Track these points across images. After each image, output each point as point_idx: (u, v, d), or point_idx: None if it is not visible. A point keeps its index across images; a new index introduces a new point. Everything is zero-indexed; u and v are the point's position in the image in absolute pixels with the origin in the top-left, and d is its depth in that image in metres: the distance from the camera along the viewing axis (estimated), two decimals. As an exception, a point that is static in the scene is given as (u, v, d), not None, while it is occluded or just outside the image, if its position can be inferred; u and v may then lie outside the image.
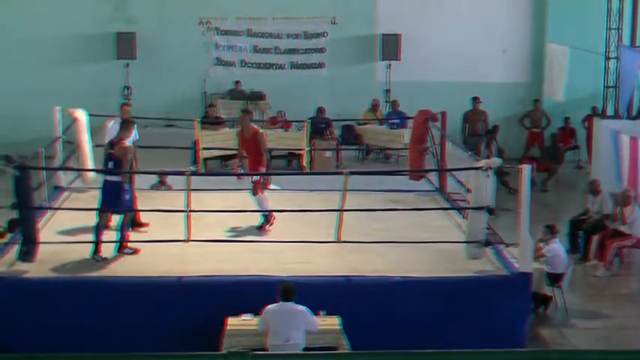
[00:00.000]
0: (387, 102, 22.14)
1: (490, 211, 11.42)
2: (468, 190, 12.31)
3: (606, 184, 16.15)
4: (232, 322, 10.39)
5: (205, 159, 17.36)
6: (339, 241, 11.96)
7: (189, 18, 22.34)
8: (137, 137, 13.10)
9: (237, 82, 22.12)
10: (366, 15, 22.67)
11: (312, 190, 14.75)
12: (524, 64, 23.12)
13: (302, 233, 12.23)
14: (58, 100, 15.57)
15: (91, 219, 12.07)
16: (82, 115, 14.46)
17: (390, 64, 22.43)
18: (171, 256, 11.64)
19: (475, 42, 22.43)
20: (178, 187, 13.91)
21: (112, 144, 11.90)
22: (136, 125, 12.72)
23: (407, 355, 5.54)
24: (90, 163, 14.21)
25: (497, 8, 22.83)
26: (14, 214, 11.59)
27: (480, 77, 22.36)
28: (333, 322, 10.40)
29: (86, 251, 11.56)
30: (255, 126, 13.25)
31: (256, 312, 10.29)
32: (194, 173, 13.93)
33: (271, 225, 12.89)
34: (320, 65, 22.86)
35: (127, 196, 11.79)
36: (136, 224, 12.60)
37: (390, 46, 22.35)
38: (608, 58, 20.53)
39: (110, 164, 11.78)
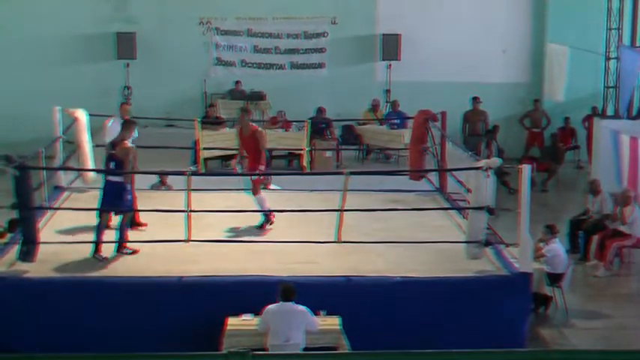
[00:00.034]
0: (387, 102, 22.14)
1: (490, 211, 11.42)
2: (468, 190, 12.32)
3: (606, 184, 16.15)
4: (232, 322, 10.39)
5: (205, 159, 17.37)
6: (339, 241, 11.96)
7: (190, 18, 22.35)
8: (137, 135, 13.09)
9: (237, 82, 22.12)
10: (366, 15, 22.67)
11: (312, 190, 14.75)
12: (525, 64, 23.12)
13: (302, 233, 12.23)
14: (58, 100, 15.57)
15: (91, 219, 12.07)
16: (82, 115, 14.46)
17: (390, 64, 22.43)
18: (172, 256, 11.64)
19: (475, 42, 22.43)
20: (178, 187, 13.92)
21: (113, 144, 11.90)
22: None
23: (407, 355, 5.54)
24: (90, 163, 14.21)
25: (497, 8, 22.83)
26: (14, 214, 11.60)
27: (480, 77, 22.37)
28: (333, 322, 10.40)
29: (86, 251, 11.57)
30: (254, 125, 13.26)
31: (256, 312, 10.29)
32: (194, 173, 13.92)
33: (271, 224, 12.89)
34: (320, 65, 22.86)
35: (129, 197, 11.81)
36: (134, 224, 12.61)
37: (390, 46, 22.36)
38: (608, 58, 20.54)
39: (112, 164, 11.78)
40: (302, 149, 17.41)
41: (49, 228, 12.45)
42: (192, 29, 22.36)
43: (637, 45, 21.13)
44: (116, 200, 11.66)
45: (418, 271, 11.33)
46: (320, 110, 19.63)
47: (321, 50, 22.81)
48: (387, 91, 22.46)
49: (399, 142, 19.03)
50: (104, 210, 11.81)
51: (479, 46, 22.48)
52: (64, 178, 14.80)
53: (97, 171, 13.48)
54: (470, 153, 14.51)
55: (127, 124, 12.19)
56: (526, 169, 11.12)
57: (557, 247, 13.28)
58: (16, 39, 21.78)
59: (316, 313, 10.33)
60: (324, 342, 10.20)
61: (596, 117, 20.16)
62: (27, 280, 10.97)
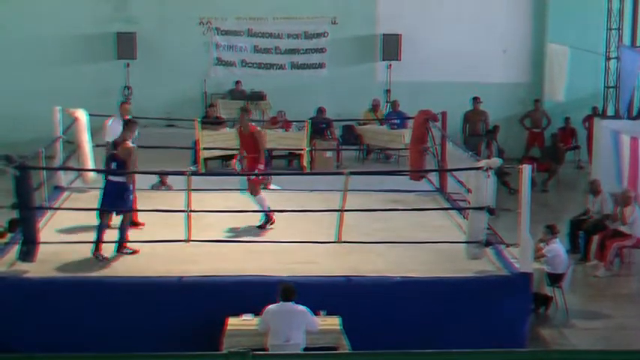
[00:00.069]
0: (387, 102, 22.13)
1: (490, 211, 11.41)
2: (469, 191, 12.31)
3: (606, 184, 16.15)
4: (233, 322, 10.38)
5: (206, 159, 17.36)
6: (339, 241, 11.96)
7: (190, 18, 22.34)
8: (138, 136, 13.09)
9: (237, 82, 22.12)
10: (367, 15, 22.67)
11: (312, 191, 14.75)
12: (525, 64, 23.12)
13: (302, 233, 12.23)
14: (58, 100, 15.56)
15: (91, 219, 12.07)
16: (82, 115, 14.46)
17: (390, 64, 22.43)
18: (172, 256, 11.64)
19: (475, 42, 22.43)
20: (179, 187, 13.92)
21: (115, 144, 11.89)
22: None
23: (407, 355, 5.53)
24: (90, 163, 14.20)
25: (498, 8, 22.83)
26: (15, 214, 11.60)
27: (481, 77, 22.36)
28: (334, 322, 10.40)
29: (86, 251, 11.56)
30: (253, 125, 13.25)
31: (256, 312, 10.29)
32: (194, 173, 13.92)
33: (272, 223, 12.88)
34: (320, 65, 22.86)
35: (131, 197, 11.81)
36: (132, 223, 12.59)
37: (391, 46, 22.35)
38: (608, 59, 20.53)
39: (113, 165, 11.77)
40: (302, 149, 17.40)
41: (49, 228, 12.45)
42: (192, 29, 22.36)
43: (637, 45, 21.12)
44: (118, 200, 11.65)
45: (418, 271, 11.33)
46: (320, 110, 19.63)
47: (321, 50, 22.80)
48: (388, 91, 22.46)
49: (400, 142, 19.03)
50: (105, 210, 11.81)
51: (479, 46, 22.48)
52: (64, 178, 14.80)
53: (98, 171, 13.48)
54: (470, 153, 14.51)
55: (129, 125, 12.18)
56: (526, 170, 11.12)
57: (558, 247, 13.27)
58: (16, 39, 21.78)
59: (316, 313, 10.32)
60: (324, 342, 10.19)
61: (597, 117, 20.16)
62: (27, 280, 10.96)
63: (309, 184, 15.18)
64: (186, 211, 11.68)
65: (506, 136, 21.77)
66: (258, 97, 21.41)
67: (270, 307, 10.16)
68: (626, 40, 21.05)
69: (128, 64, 22.05)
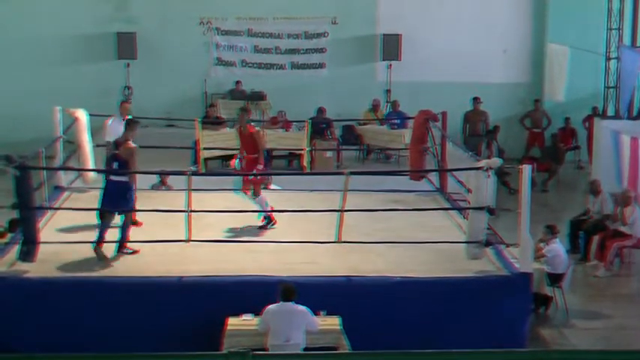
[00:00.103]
0: (387, 102, 22.13)
1: (490, 211, 11.41)
2: (469, 191, 12.31)
3: (607, 185, 16.15)
4: (233, 322, 10.38)
5: (206, 159, 17.36)
6: (339, 241, 11.96)
7: (190, 18, 22.34)
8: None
9: (237, 82, 22.12)
10: (367, 15, 22.67)
11: (312, 191, 14.75)
12: (525, 64, 23.11)
13: (302, 233, 12.23)
14: (59, 100, 15.57)
15: (92, 219, 12.07)
16: (82, 115, 14.46)
17: (390, 64, 22.43)
18: (172, 256, 11.64)
19: (475, 42, 22.43)
20: (179, 187, 13.91)
21: (117, 144, 11.89)
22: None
23: (407, 355, 5.53)
24: (90, 163, 14.21)
25: (498, 8, 22.83)
26: (15, 214, 11.60)
27: (481, 77, 22.36)
28: (334, 322, 10.40)
29: (86, 251, 11.56)
30: (252, 125, 13.25)
31: (257, 312, 10.29)
32: (195, 173, 13.92)
33: (274, 224, 12.88)
34: (320, 65, 22.86)
35: (133, 196, 11.81)
36: (132, 223, 12.59)
37: (391, 47, 22.35)
38: (608, 59, 20.53)
39: (115, 165, 11.77)
40: (302, 149, 17.40)
41: (49, 228, 12.45)
42: (192, 29, 22.36)
43: (637, 45, 21.12)
44: (120, 200, 11.65)
45: (418, 271, 11.33)
46: (320, 110, 19.64)
47: (321, 50, 22.80)
48: (388, 91, 22.46)
49: (400, 142, 19.04)
50: (107, 210, 11.80)
51: (479, 46, 22.48)
52: (64, 178, 14.80)
53: (98, 171, 13.48)
54: (470, 153, 14.51)
55: (131, 124, 12.18)
56: (526, 170, 11.12)
57: (558, 247, 13.27)
58: (16, 39, 21.78)
59: (316, 313, 10.32)
60: (325, 342, 10.19)
61: (597, 117, 20.15)
62: (27, 280, 10.96)
63: (309, 184, 15.18)
64: (186, 211, 11.68)
65: (507, 136, 21.76)
66: (258, 97, 21.41)
67: (270, 307, 10.16)
68: (626, 40, 21.05)
69: (128, 64, 22.06)
